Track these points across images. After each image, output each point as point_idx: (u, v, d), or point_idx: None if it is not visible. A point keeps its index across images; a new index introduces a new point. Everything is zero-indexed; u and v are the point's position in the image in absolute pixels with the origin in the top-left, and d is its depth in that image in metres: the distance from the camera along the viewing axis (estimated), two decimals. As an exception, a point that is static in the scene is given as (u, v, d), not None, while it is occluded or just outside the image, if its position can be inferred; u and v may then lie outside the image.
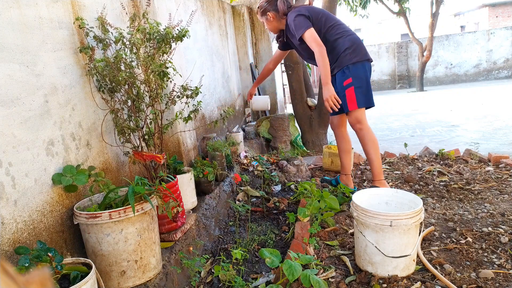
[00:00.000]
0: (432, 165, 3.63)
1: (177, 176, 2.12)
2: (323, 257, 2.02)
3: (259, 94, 5.51)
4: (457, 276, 1.73)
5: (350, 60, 2.52)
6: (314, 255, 1.99)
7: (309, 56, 2.69)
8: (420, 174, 3.37)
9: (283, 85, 6.86)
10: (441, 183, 3.06)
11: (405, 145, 4.05)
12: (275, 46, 6.07)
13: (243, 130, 4.70)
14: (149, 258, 1.64)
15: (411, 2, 14.03)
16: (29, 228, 1.43)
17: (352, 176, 3.61)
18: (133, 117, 1.94)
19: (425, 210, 2.54)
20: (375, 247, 1.71)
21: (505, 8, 20.61)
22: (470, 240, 2.07)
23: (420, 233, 1.80)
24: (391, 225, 1.66)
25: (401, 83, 16.72)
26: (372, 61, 2.64)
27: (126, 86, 1.86)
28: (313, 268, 1.73)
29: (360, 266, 1.85)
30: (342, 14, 21.63)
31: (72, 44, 1.75)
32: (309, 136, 4.93)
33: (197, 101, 2.22)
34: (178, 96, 2.11)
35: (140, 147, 1.98)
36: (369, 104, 2.61)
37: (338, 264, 1.96)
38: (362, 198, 1.92)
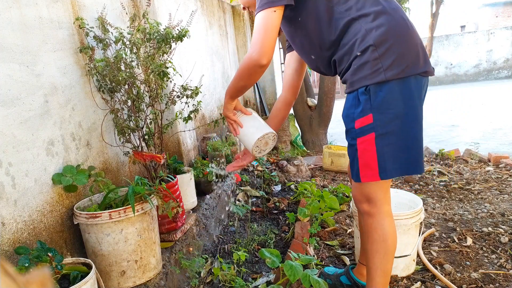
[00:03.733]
0: (432, 165, 3.63)
1: (177, 176, 2.12)
2: (323, 257, 2.02)
3: (260, 99, 5.45)
4: (457, 276, 1.73)
5: (374, 76, 1.19)
6: (314, 255, 1.99)
7: (299, 48, 1.46)
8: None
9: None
10: (441, 183, 3.06)
11: None
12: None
13: (243, 130, 4.69)
14: (149, 258, 1.64)
15: (411, 2, 14.03)
16: (29, 228, 1.43)
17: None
18: (133, 117, 1.94)
19: (425, 210, 2.54)
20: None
21: (505, 8, 20.61)
22: (470, 240, 2.07)
23: (420, 233, 1.80)
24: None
25: (401, 83, 16.75)
26: (431, 74, 1.27)
27: (126, 86, 1.86)
28: (313, 268, 1.73)
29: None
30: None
31: (72, 44, 1.75)
32: (309, 136, 4.93)
33: (197, 101, 2.22)
34: (178, 96, 2.11)
35: (140, 147, 1.98)
36: (409, 170, 1.29)
37: (338, 264, 1.96)
38: None
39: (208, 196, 2.65)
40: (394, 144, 1.22)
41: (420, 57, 1.22)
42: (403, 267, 1.74)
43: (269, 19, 1.21)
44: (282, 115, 1.65)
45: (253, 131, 1.43)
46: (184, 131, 2.65)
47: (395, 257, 1.70)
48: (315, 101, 4.97)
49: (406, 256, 1.71)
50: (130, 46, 1.83)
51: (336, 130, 6.66)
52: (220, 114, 3.35)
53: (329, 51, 1.30)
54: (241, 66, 1.30)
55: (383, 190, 1.33)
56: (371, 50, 1.18)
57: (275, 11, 1.21)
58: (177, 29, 1.92)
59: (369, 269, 1.40)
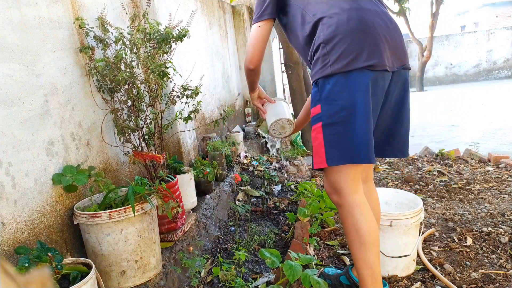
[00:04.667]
0: (432, 165, 3.63)
1: (177, 176, 2.12)
2: (323, 257, 2.02)
3: None
4: (457, 276, 1.73)
5: (323, 70, 1.29)
6: (314, 255, 1.99)
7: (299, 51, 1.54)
8: (420, 174, 3.37)
9: (283, 85, 6.86)
10: (441, 183, 3.06)
11: None
12: (275, 46, 6.09)
13: (243, 130, 4.70)
14: (149, 258, 1.64)
15: (411, 2, 14.04)
16: (29, 228, 1.43)
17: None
18: (133, 117, 1.94)
19: (425, 210, 2.54)
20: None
21: (505, 8, 20.61)
22: (470, 240, 2.07)
23: (420, 233, 1.80)
24: (391, 225, 1.65)
25: (401, 83, 16.73)
26: (382, 67, 1.27)
27: (126, 86, 1.86)
28: (313, 268, 1.73)
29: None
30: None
31: (72, 44, 1.75)
32: (309, 136, 4.93)
33: (197, 101, 2.22)
34: (178, 96, 2.11)
35: (140, 147, 1.98)
36: (352, 159, 1.29)
37: (338, 264, 1.96)
38: None
39: (208, 196, 2.65)
40: (340, 134, 1.29)
41: (362, 53, 1.25)
42: (403, 267, 1.74)
43: (255, 33, 1.45)
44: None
45: (270, 117, 1.70)
46: (184, 131, 2.65)
47: (395, 257, 1.70)
48: (315, 101, 4.97)
49: (406, 256, 1.71)
50: (130, 46, 1.83)
51: (336, 130, 6.65)
52: (220, 114, 3.35)
53: (306, 51, 1.42)
54: (244, 70, 1.57)
55: (348, 179, 1.34)
56: (321, 47, 1.29)
57: (259, 26, 1.43)
58: (177, 29, 1.92)
59: (354, 263, 1.40)
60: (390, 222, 1.65)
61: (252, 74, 1.56)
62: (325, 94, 1.29)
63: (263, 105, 1.78)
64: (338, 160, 1.31)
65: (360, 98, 1.26)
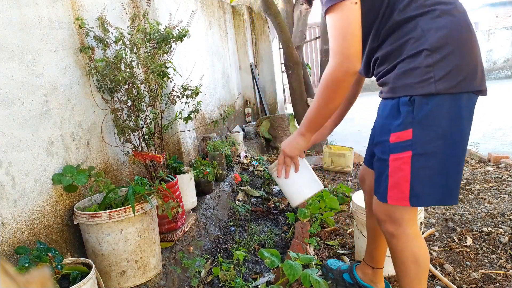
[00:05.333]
0: (432, 165, 3.63)
1: (177, 176, 2.12)
2: (323, 257, 2.02)
3: (260, 99, 5.46)
4: (457, 276, 1.73)
5: (423, 86, 1.02)
6: (314, 255, 1.99)
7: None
8: (420, 174, 3.37)
9: (283, 85, 6.86)
10: (441, 183, 3.06)
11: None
12: (275, 46, 6.08)
13: (243, 130, 4.70)
14: (149, 258, 1.64)
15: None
16: (29, 228, 1.43)
17: (351, 176, 3.61)
18: (133, 117, 1.94)
19: (425, 210, 2.54)
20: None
21: (505, 8, 20.62)
22: (470, 240, 2.07)
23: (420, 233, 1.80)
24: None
25: (401, 83, 16.74)
26: (484, 94, 1.08)
27: (126, 86, 1.86)
28: (313, 268, 1.73)
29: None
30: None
31: (72, 44, 1.75)
32: (309, 136, 4.93)
33: (197, 101, 2.22)
34: (178, 96, 2.11)
35: (140, 147, 1.98)
36: (443, 201, 1.12)
37: (338, 264, 1.97)
38: (362, 198, 1.92)
39: (208, 196, 2.65)
40: (432, 168, 1.05)
41: (478, 72, 1.03)
42: None
43: (352, 13, 0.99)
44: (354, 98, 1.52)
45: (305, 183, 1.31)
46: (184, 131, 2.66)
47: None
48: (315, 101, 4.97)
49: None
50: (130, 46, 1.83)
51: (336, 130, 6.65)
52: (220, 114, 3.34)
53: (373, 44, 1.13)
54: (326, 85, 1.07)
55: (414, 212, 1.18)
56: (424, 55, 1.00)
57: (356, 2, 0.99)
58: (177, 29, 1.92)
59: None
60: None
61: (350, 83, 1.06)
62: (422, 117, 1.02)
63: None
64: (428, 199, 1.09)
65: (462, 127, 1.05)
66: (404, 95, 1.04)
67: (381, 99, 1.16)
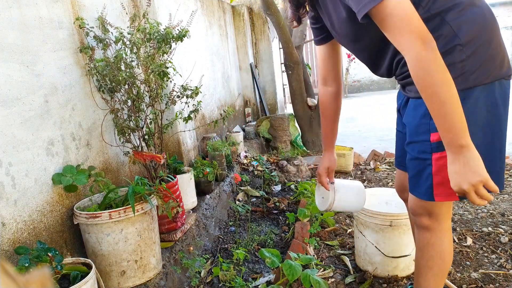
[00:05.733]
0: (432, 165, 3.63)
1: (177, 176, 2.12)
2: (323, 257, 2.02)
3: (260, 99, 5.46)
4: (457, 276, 1.73)
5: (459, 82, 0.98)
6: (314, 255, 1.99)
7: (372, 59, 1.23)
8: (420, 174, 3.37)
9: (283, 85, 6.86)
10: (441, 183, 3.06)
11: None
12: (275, 46, 6.08)
13: (243, 130, 4.70)
14: (149, 258, 1.64)
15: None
16: (29, 228, 1.43)
17: (352, 176, 3.61)
18: (133, 117, 1.94)
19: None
20: (375, 247, 1.71)
21: (505, 8, 20.62)
22: (470, 240, 2.07)
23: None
24: (391, 225, 1.65)
25: (401, 83, 16.72)
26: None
27: (126, 86, 1.86)
28: (313, 268, 1.73)
29: (360, 266, 1.85)
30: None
31: (72, 44, 1.75)
32: (309, 136, 4.93)
33: (197, 101, 2.22)
34: (178, 96, 2.11)
35: (140, 147, 1.98)
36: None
37: (338, 264, 1.96)
38: None
39: (208, 196, 2.65)
40: None
41: (505, 58, 1.04)
42: (403, 267, 1.74)
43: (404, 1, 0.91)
44: (338, 112, 1.54)
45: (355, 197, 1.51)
46: (184, 131, 2.66)
47: (395, 257, 1.71)
48: (315, 101, 4.98)
49: (406, 256, 1.71)
50: (130, 46, 1.83)
51: (336, 130, 6.65)
52: (220, 114, 3.34)
53: (386, 47, 1.11)
54: (427, 74, 0.91)
55: (450, 204, 1.19)
56: (458, 51, 0.99)
57: None
58: (177, 29, 1.92)
59: (420, 283, 1.26)
60: (390, 222, 1.65)
61: (440, 63, 0.91)
62: (469, 112, 0.98)
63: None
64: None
65: (499, 115, 1.05)
66: None
67: (411, 98, 1.14)
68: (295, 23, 1.35)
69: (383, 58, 1.17)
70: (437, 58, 0.91)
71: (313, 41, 1.45)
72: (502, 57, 1.03)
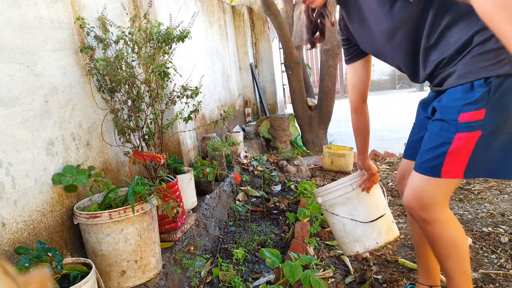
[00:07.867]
0: (432, 165, 3.63)
1: (177, 176, 2.12)
2: (323, 257, 2.02)
3: (260, 99, 5.46)
4: (457, 276, 1.73)
5: (498, 67, 1.05)
6: (314, 255, 1.99)
7: (410, 54, 1.23)
8: (420, 174, 3.37)
9: (283, 85, 6.87)
10: (441, 183, 3.06)
11: (405, 145, 4.05)
12: (275, 46, 6.09)
13: (243, 130, 4.70)
14: (149, 258, 1.64)
15: (411, 2, 13.99)
16: (29, 228, 1.43)
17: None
18: (133, 117, 1.94)
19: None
20: (351, 219, 1.66)
21: (505, 8, 20.57)
22: (470, 240, 2.07)
23: (383, 192, 1.77)
24: (353, 188, 1.63)
25: (401, 83, 16.75)
26: None
27: (126, 86, 1.86)
28: (313, 269, 1.73)
29: (349, 253, 1.75)
30: (342, 14, 21.53)
31: (72, 44, 1.75)
32: (309, 136, 4.93)
33: (197, 101, 2.22)
34: (178, 96, 2.11)
35: (140, 147, 1.98)
36: (497, 174, 1.17)
37: (338, 264, 1.96)
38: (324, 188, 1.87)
39: (208, 196, 2.65)
40: (494, 146, 1.08)
41: None
42: (387, 229, 1.67)
43: None
44: (369, 130, 1.70)
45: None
46: (184, 131, 2.66)
47: (374, 221, 1.64)
48: (315, 101, 4.98)
49: (382, 216, 1.66)
50: (131, 45, 1.83)
51: (336, 130, 6.66)
52: (220, 114, 3.34)
53: (428, 42, 1.15)
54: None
55: (448, 194, 1.22)
56: (494, 40, 1.02)
57: None
58: (179, 30, 1.93)
59: (446, 273, 1.30)
60: (350, 185, 1.63)
61: None
62: (497, 97, 1.04)
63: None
64: (479, 173, 1.15)
65: None
66: (479, 78, 1.06)
67: (448, 89, 1.15)
68: (309, 46, 1.47)
69: (417, 52, 1.19)
70: None
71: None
72: None
